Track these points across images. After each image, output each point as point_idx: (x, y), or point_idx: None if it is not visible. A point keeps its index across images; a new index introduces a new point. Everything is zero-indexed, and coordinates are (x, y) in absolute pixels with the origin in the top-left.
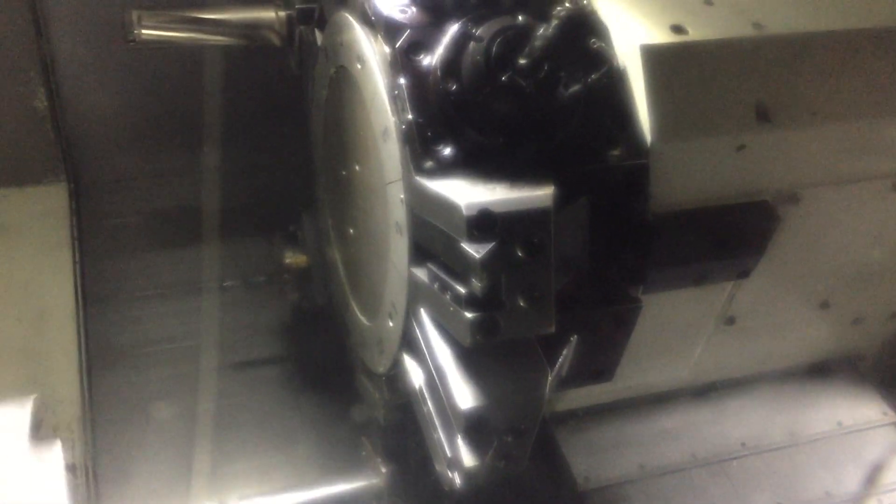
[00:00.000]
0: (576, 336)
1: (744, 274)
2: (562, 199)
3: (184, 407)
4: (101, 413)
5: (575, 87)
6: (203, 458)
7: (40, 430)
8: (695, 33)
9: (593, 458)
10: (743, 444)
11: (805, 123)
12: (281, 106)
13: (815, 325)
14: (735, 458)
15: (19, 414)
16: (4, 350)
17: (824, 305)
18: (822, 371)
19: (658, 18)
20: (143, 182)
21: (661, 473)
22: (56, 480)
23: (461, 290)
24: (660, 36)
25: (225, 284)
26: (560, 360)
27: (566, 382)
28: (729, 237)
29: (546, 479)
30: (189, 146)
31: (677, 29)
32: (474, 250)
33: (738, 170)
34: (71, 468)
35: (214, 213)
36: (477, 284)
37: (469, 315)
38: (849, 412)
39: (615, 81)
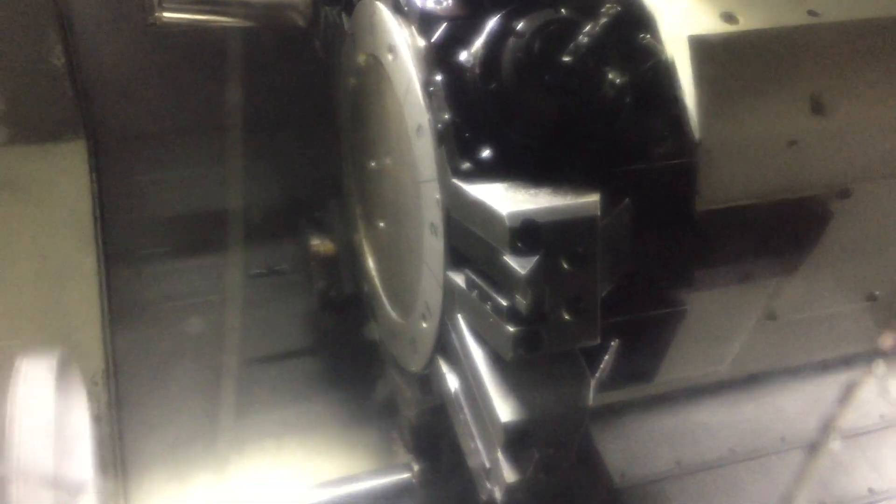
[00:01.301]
0: (617, 341)
1: (790, 270)
2: (606, 202)
3: (205, 362)
4: (124, 366)
5: (621, 82)
6: (224, 411)
7: (67, 383)
8: (746, 22)
9: (629, 453)
10: (783, 439)
11: (860, 115)
12: (305, 87)
13: (860, 317)
14: (775, 454)
15: (46, 367)
16: (28, 305)
17: (871, 298)
18: (866, 363)
19: (707, 6)
20: (162, 139)
21: (698, 470)
22: (82, 431)
23: (502, 302)
24: (709, 25)
25: (252, 273)
26: (602, 365)
27: (606, 385)
28: (777, 234)
29: (581, 476)
30: (209, 103)
31: (728, 17)
32: (518, 265)
33: (789, 165)
34: (96, 419)
35: (235, 172)
36: (521, 301)
37: (511, 329)
38: (892, 405)
39: (662, 75)
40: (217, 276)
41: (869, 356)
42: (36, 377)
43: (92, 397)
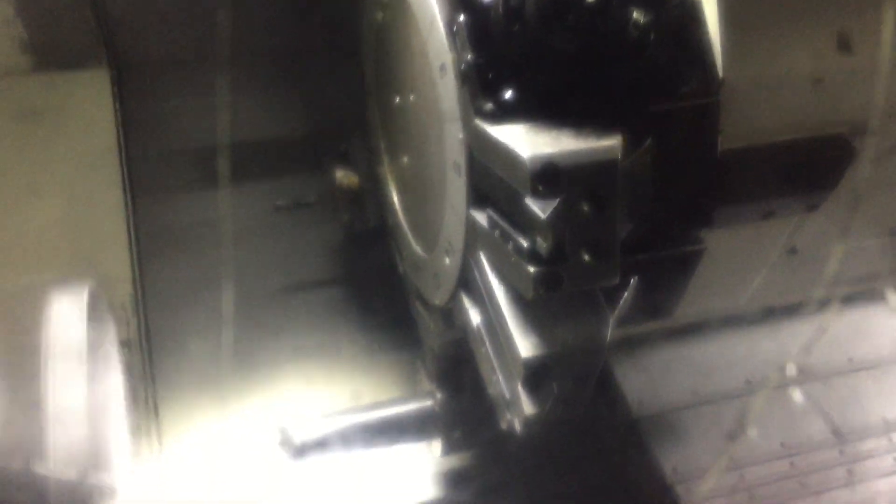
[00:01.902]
0: (637, 278)
1: (813, 207)
2: (629, 142)
3: (232, 290)
4: (151, 293)
5: (645, 21)
6: (251, 338)
7: (97, 315)
8: None
9: (647, 384)
10: (800, 370)
11: (888, 52)
12: (332, 17)
13: (881, 252)
14: (792, 384)
15: (76, 293)
16: (56, 233)
17: (893, 233)
18: (884, 296)
19: None
20: (187, 67)
21: (714, 400)
22: (113, 362)
23: (523, 243)
24: None
25: (277, 204)
26: (620, 302)
27: (625, 320)
28: (801, 172)
29: (599, 405)
30: (234, 32)
31: None
32: (539, 208)
33: (814, 103)
34: (126, 344)
35: (261, 102)
36: (542, 243)
37: (531, 269)
38: None
39: (687, 13)
40: (243, 205)
41: (889, 288)
42: (67, 310)
43: (121, 323)
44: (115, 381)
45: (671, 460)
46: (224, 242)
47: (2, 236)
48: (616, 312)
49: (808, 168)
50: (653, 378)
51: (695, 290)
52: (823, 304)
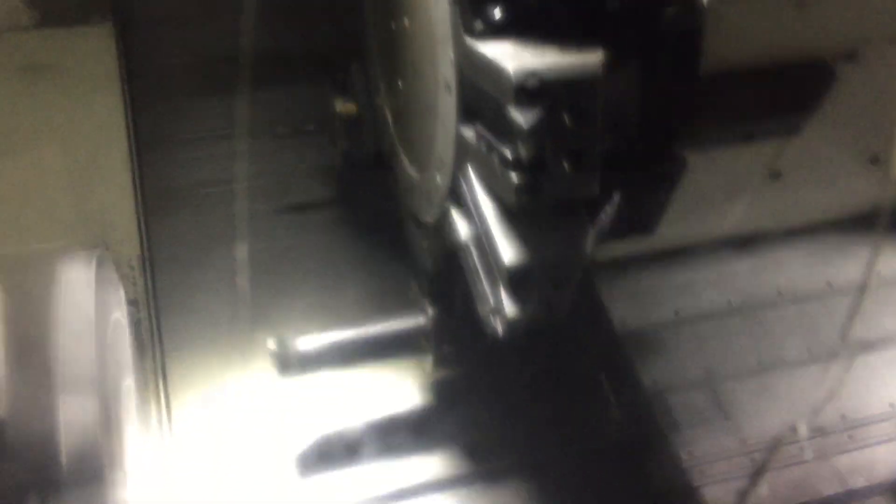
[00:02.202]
0: (618, 193)
1: (794, 130)
2: (612, 63)
3: (239, 245)
4: (160, 251)
5: None
6: (257, 292)
7: (105, 276)
8: None
9: (630, 303)
10: (779, 293)
11: None
12: None
13: (862, 179)
14: (770, 306)
15: (82, 253)
16: (61, 190)
17: (874, 160)
18: (865, 223)
19: None
20: (190, 21)
21: (695, 319)
22: (121, 321)
23: (507, 153)
24: None
25: (277, 131)
26: (602, 216)
27: (608, 235)
28: (782, 95)
29: (583, 321)
30: None
31: None
32: (521, 116)
33: (797, 27)
34: (133, 302)
35: (264, 57)
36: (524, 151)
37: (514, 177)
38: (888, 263)
39: None
40: (249, 162)
41: (869, 216)
42: (76, 278)
43: (129, 282)
44: (125, 349)
45: (651, 373)
46: (231, 199)
47: (6, 195)
48: (597, 225)
49: (789, 92)
50: (637, 299)
51: (678, 212)
52: (805, 230)
